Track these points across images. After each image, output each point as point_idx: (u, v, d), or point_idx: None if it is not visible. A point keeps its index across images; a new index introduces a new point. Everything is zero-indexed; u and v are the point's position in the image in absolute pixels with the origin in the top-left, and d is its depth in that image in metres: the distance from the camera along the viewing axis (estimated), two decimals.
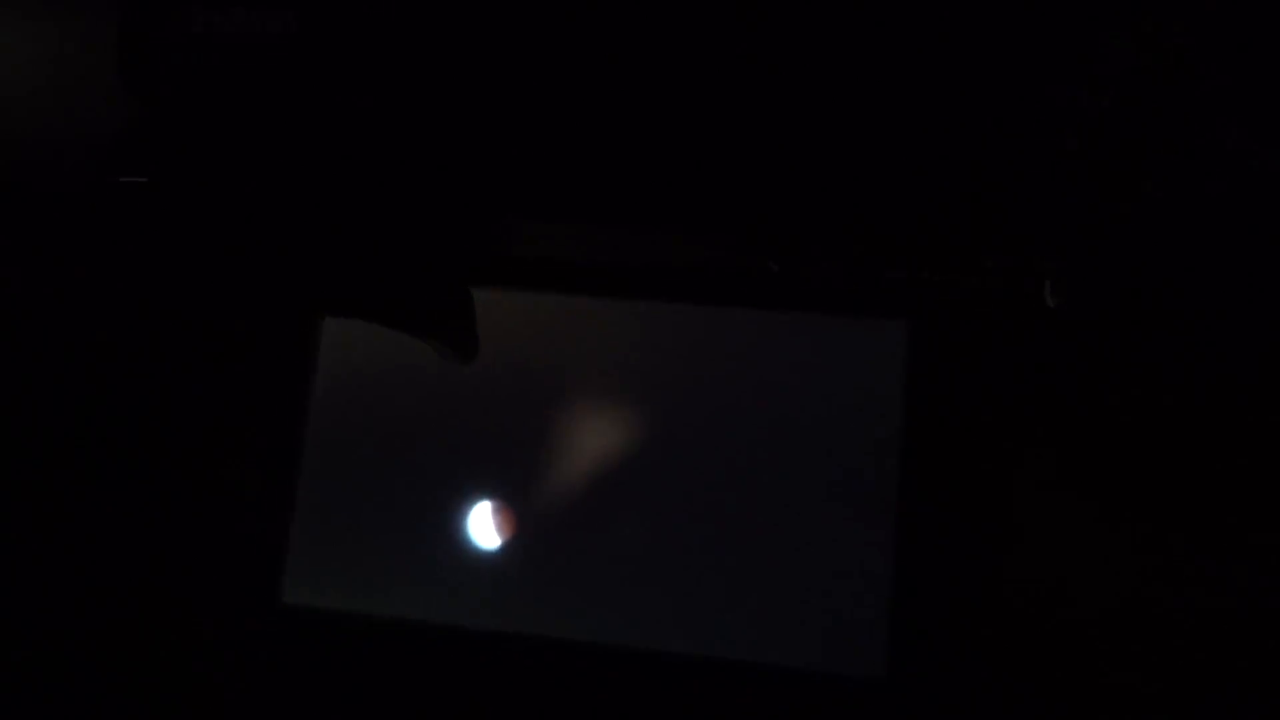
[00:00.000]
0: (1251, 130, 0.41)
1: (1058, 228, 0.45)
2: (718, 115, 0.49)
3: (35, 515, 0.68)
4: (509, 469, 0.67)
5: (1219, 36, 0.42)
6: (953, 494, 0.62)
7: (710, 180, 0.50)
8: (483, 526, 0.67)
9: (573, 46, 0.48)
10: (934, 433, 0.62)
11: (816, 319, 0.65)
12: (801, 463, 0.64)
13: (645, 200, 0.50)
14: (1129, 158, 0.42)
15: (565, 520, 0.66)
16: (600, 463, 0.66)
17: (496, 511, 0.67)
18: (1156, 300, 0.53)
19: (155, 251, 0.47)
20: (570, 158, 0.49)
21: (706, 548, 0.64)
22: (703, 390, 0.65)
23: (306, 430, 0.69)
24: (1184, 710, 0.58)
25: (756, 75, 0.49)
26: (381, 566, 0.67)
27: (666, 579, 0.64)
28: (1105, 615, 0.60)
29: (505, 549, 0.66)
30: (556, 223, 0.51)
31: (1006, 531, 0.61)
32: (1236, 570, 0.58)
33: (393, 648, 0.66)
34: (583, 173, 0.50)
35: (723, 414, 0.65)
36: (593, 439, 0.66)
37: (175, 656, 0.66)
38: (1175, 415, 0.58)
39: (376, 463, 0.68)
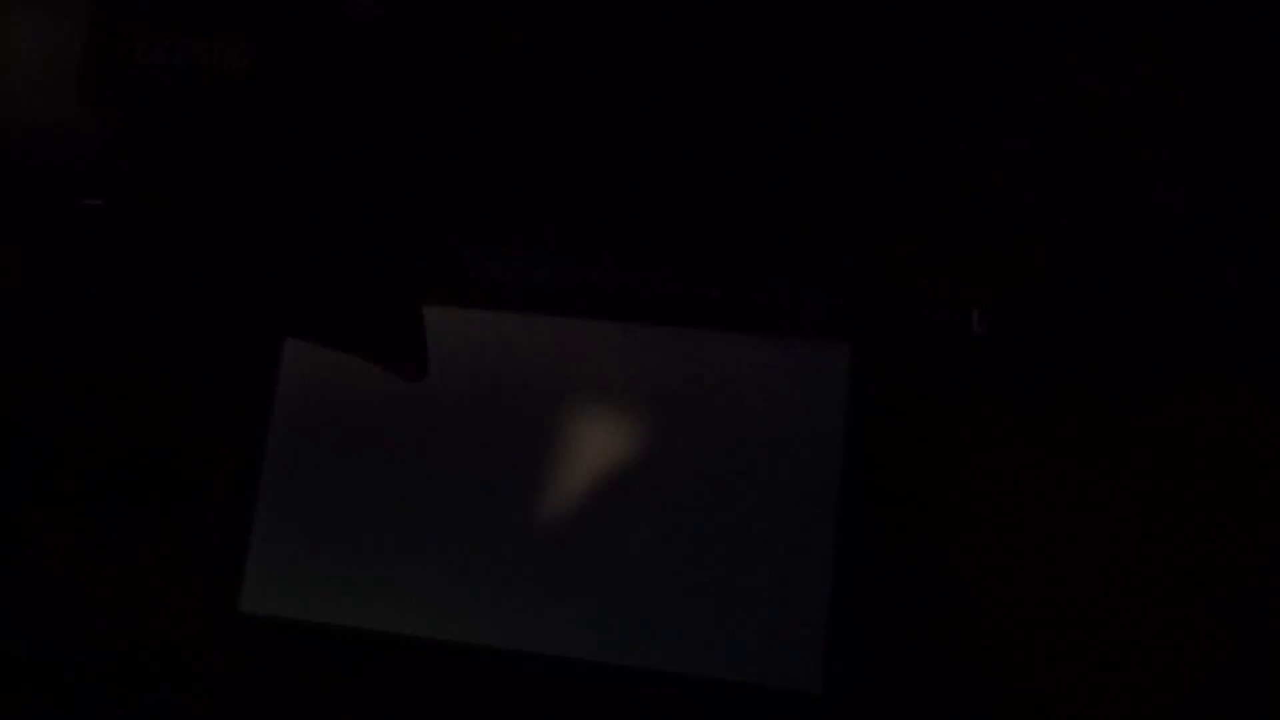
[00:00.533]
0: (1158, 171, 0.44)
1: (980, 263, 0.48)
2: (662, 153, 0.51)
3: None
4: (463, 482, 0.68)
5: (1126, 84, 0.44)
6: (891, 513, 0.63)
7: (656, 213, 0.52)
8: (437, 537, 0.68)
9: (521, 83, 0.50)
10: (873, 454, 0.64)
11: (765, 340, 0.66)
12: (746, 480, 0.65)
13: (595, 231, 0.52)
14: (1043, 199, 0.45)
15: (514, 533, 0.67)
16: (547, 478, 0.68)
17: (450, 522, 0.68)
18: (1074, 325, 0.55)
19: (112, 269, 0.49)
20: (521, 189, 0.51)
21: (651, 562, 0.65)
22: (652, 408, 0.67)
23: (268, 439, 0.70)
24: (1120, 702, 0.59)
25: (699, 119, 0.51)
26: (338, 577, 0.68)
27: (612, 593, 0.65)
28: (1042, 634, 0.61)
29: (460, 561, 0.67)
30: (508, 252, 0.53)
31: (944, 551, 0.62)
32: (1178, 577, 0.59)
33: (348, 657, 0.67)
34: (533, 203, 0.52)
35: (670, 432, 0.66)
36: (542, 455, 0.68)
37: (135, 663, 0.67)
38: (1097, 429, 0.60)
39: (335, 473, 0.69)
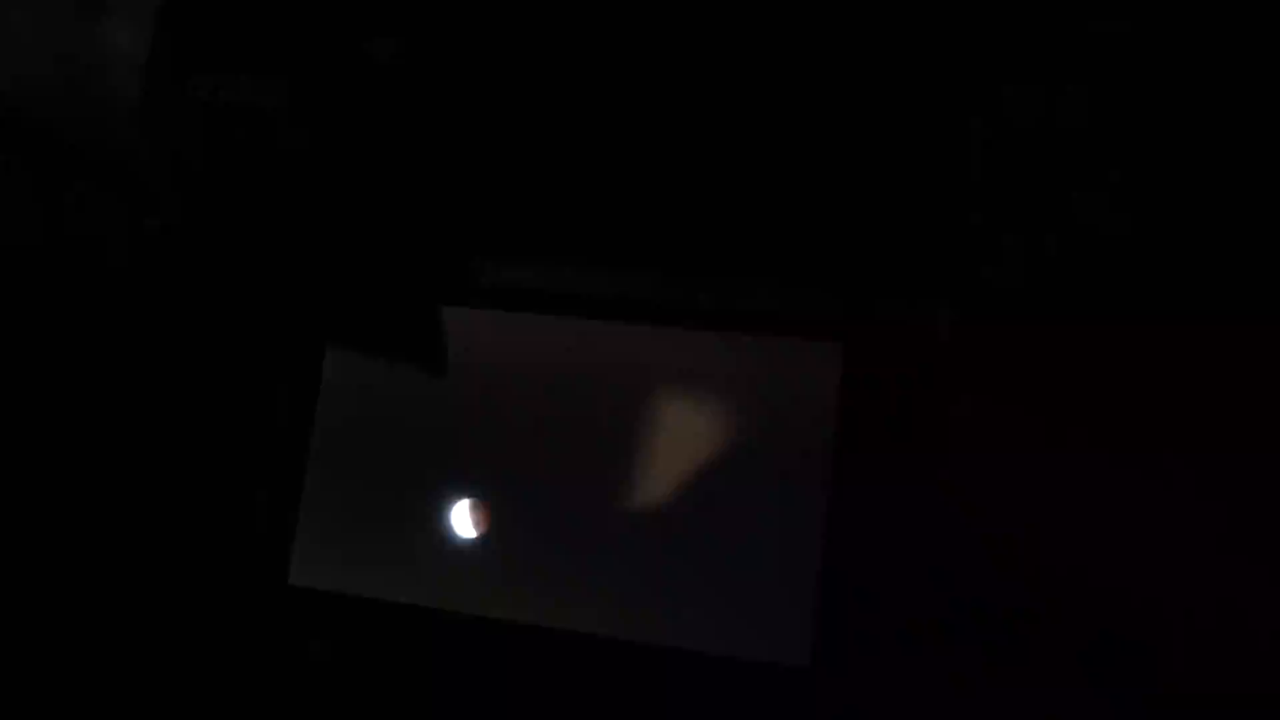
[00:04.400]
0: (1096, 196, 0.47)
1: (934, 277, 0.52)
2: (658, 166, 0.56)
3: (44, 498, 0.71)
4: (490, 470, 0.72)
5: (1068, 114, 0.48)
6: (880, 489, 0.65)
7: (651, 223, 0.57)
8: (464, 520, 0.71)
9: (523, 103, 0.56)
10: (863, 438, 0.66)
11: (760, 339, 0.69)
12: (739, 462, 0.68)
13: (594, 240, 0.58)
14: (993, 220, 0.49)
15: (537, 515, 0.70)
16: (554, 464, 0.71)
17: (476, 507, 0.71)
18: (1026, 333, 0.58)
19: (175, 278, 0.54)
20: (520, 203, 0.57)
21: (648, 539, 0.69)
22: (654, 400, 0.70)
23: (314, 419, 0.73)
24: (1111, 681, 0.61)
25: (692, 136, 0.56)
26: (384, 552, 0.72)
27: (611, 569, 0.69)
28: (1031, 611, 0.63)
29: (483, 541, 0.71)
30: (512, 258, 0.59)
31: (931, 525, 0.65)
32: (1178, 550, 0.61)
33: (393, 630, 0.71)
34: (532, 214, 0.57)
35: (670, 421, 0.70)
36: (550, 444, 0.72)
37: (184, 636, 0.71)
38: (1055, 420, 0.63)
39: (380, 452, 0.72)
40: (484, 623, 0.70)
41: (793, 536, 0.67)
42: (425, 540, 0.72)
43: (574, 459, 0.72)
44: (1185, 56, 0.49)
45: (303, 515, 0.74)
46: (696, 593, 0.68)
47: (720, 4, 0.54)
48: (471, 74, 0.55)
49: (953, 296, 0.53)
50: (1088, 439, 0.62)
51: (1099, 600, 0.62)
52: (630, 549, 0.70)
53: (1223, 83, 0.48)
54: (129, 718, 0.71)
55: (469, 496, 0.72)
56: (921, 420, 0.65)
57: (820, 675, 0.66)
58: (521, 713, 0.70)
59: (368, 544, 0.73)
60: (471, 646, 0.70)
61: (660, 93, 0.56)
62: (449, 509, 0.72)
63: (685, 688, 0.68)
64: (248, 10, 0.54)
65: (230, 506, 0.73)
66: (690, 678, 0.67)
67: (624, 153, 0.57)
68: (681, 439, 0.70)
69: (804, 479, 0.68)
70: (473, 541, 0.72)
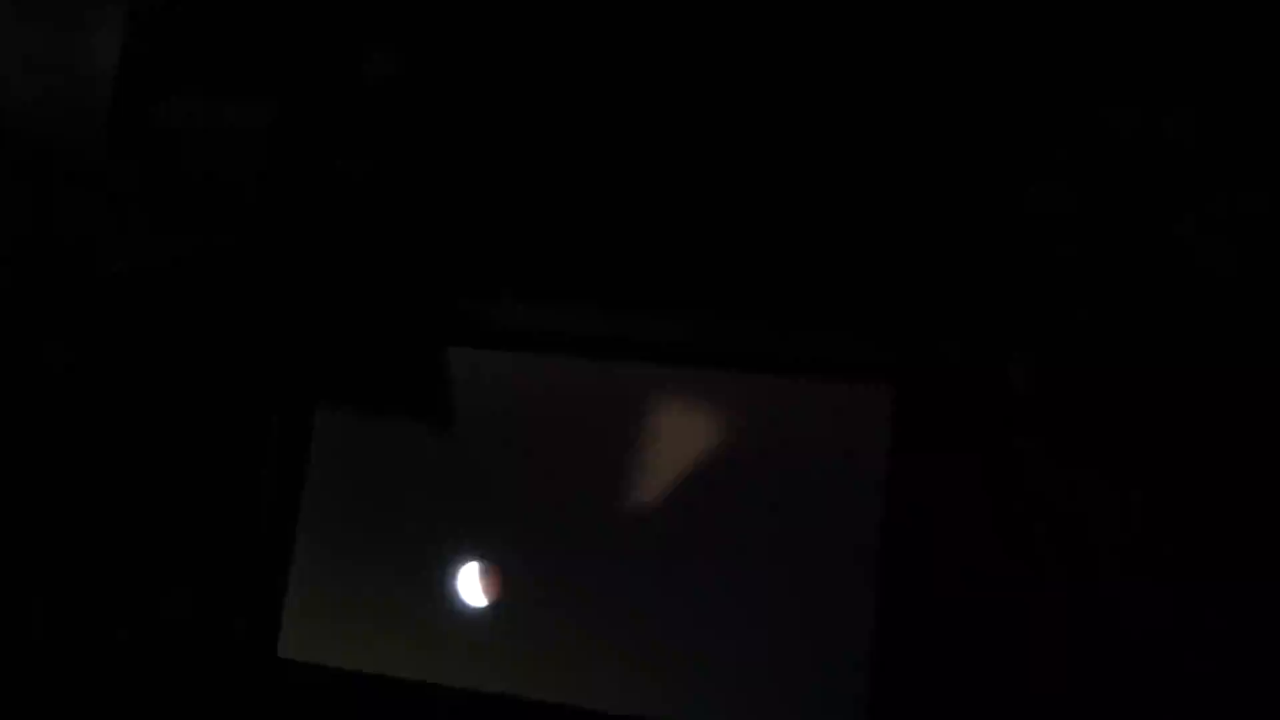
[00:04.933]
0: (1199, 223, 0.41)
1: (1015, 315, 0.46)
2: (691, 196, 0.51)
3: (27, 564, 0.70)
4: (500, 529, 0.67)
5: (1167, 129, 0.42)
6: (934, 562, 0.60)
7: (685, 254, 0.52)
8: (472, 586, 0.67)
9: (540, 123, 0.50)
10: (917, 500, 0.60)
11: (805, 383, 0.63)
12: (786, 527, 0.63)
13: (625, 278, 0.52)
14: (1081, 253, 0.42)
15: (551, 582, 0.65)
16: (580, 527, 0.66)
17: (486, 572, 0.67)
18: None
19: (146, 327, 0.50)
20: (555, 239, 0.51)
21: (683, 616, 0.64)
22: (688, 454, 0.65)
23: (304, 486, 0.70)
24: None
25: (722, 168, 0.50)
26: (377, 624, 0.67)
27: (644, 647, 0.64)
28: (1099, 695, 0.57)
29: (494, 609, 0.66)
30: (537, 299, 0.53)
31: (988, 601, 0.59)
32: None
33: (385, 705, 0.67)
34: (559, 243, 0.52)
35: (707, 478, 0.64)
36: (575, 504, 0.66)
37: (173, 709, 0.68)
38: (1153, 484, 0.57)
39: (373, 521, 0.69)
40: (508, 700, 0.65)
41: (844, 613, 0.61)
42: (428, 609, 0.66)
43: (599, 524, 0.65)
44: None
45: (292, 585, 0.68)
46: (741, 672, 0.61)
47: (752, 22, 0.49)
48: (478, 92, 0.49)
49: (1028, 340, 0.46)
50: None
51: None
52: (666, 625, 0.63)
53: None
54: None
55: (476, 561, 0.67)
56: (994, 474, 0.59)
57: None
58: None
59: (364, 615, 0.67)
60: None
61: (685, 122, 0.51)
62: (455, 573, 0.67)
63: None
64: (235, 32, 0.48)
65: (214, 575, 0.69)
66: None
67: (653, 185, 0.52)
68: (718, 502, 0.63)
69: (855, 546, 0.61)
70: (491, 612, 0.66)
